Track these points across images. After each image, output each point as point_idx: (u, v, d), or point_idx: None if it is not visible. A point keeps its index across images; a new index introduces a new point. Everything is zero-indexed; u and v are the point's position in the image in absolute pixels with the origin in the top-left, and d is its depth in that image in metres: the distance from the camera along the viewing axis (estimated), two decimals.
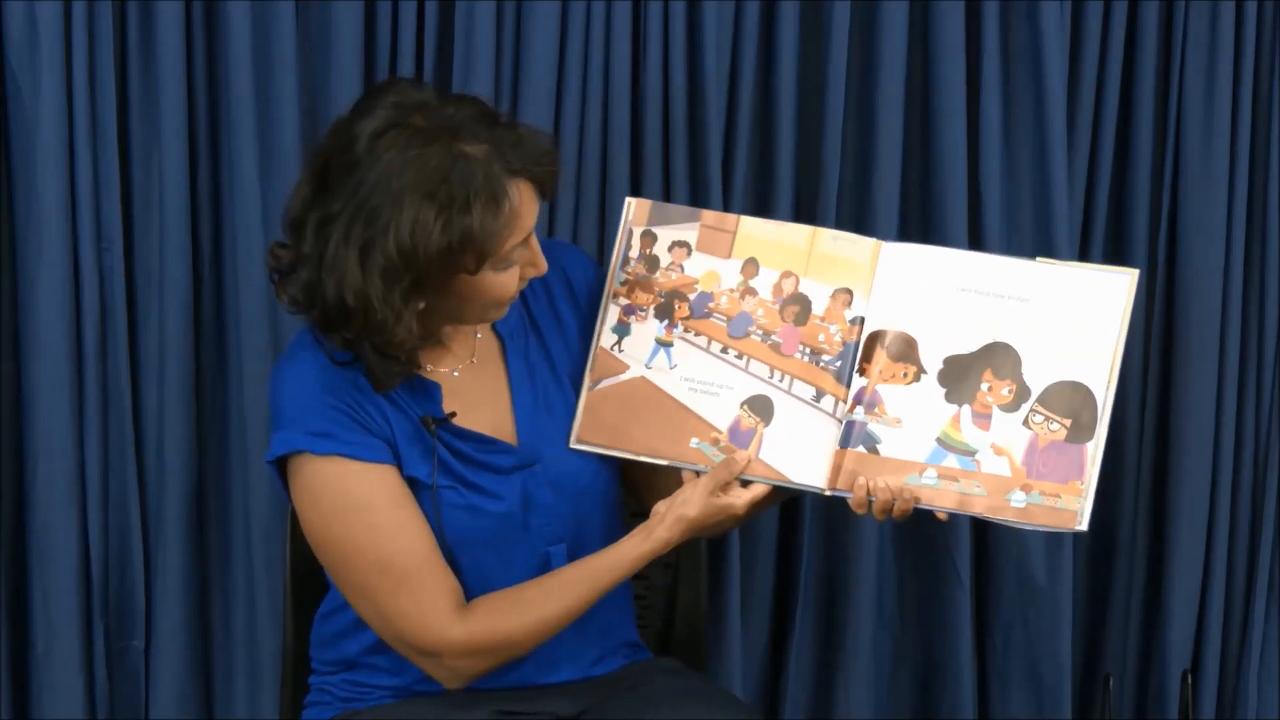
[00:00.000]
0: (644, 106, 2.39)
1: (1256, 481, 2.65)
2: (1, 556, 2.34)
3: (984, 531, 2.57)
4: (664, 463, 1.94)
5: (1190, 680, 2.63)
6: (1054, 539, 2.56)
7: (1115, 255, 2.60)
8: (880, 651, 2.62)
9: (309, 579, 2.04)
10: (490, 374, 1.95)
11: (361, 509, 1.82)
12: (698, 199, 2.42)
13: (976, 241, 2.50)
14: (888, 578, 2.60)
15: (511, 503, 1.90)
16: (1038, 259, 1.96)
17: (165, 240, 2.31)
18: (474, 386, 1.93)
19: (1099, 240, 2.58)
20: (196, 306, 2.35)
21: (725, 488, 1.90)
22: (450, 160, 1.75)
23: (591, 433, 1.95)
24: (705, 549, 2.24)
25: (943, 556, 2.57)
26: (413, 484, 1.86)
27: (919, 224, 2.52)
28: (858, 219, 2.50)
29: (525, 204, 1.80)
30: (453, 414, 1.88)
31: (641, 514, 1.94)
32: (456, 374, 1.93)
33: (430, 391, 1.89)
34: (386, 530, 1.82)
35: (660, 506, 1.89)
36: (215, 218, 2.35)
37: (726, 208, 2.44)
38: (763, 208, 2.46)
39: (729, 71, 2.43)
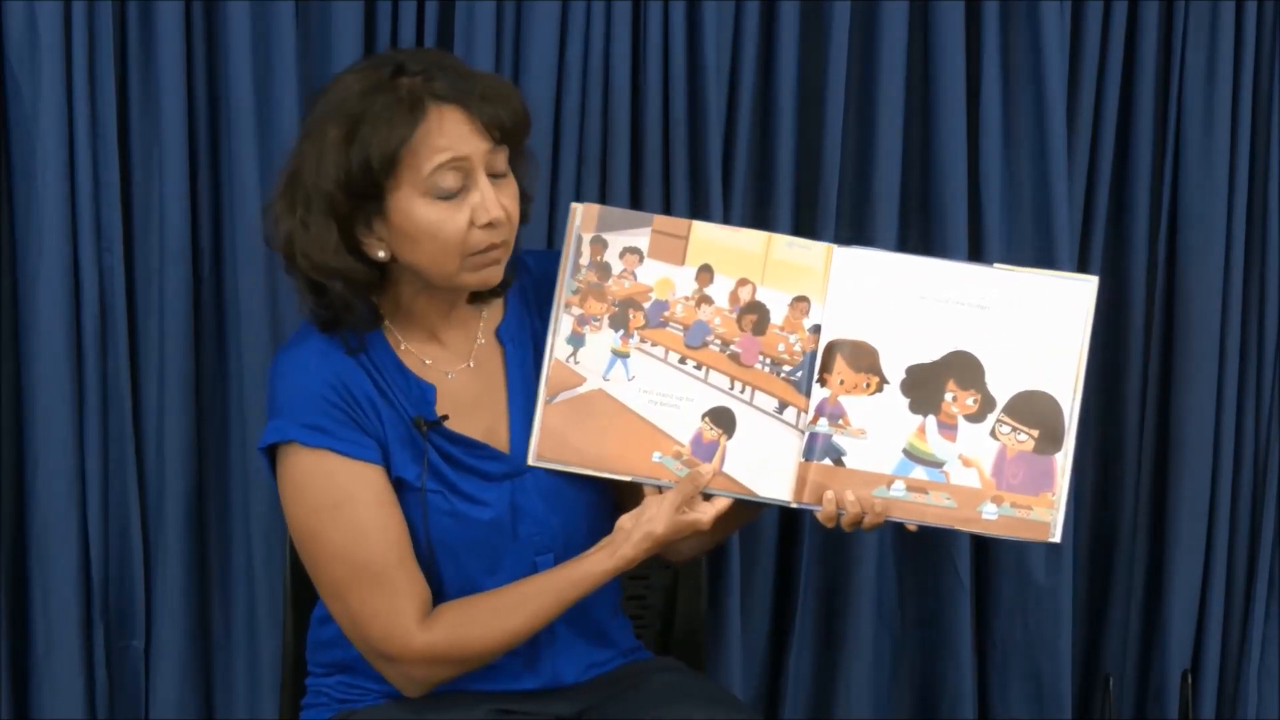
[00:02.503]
0: (644, 106, 2.39)
1: (1256, 481, 2.65)
2: (1, 556, 2.34)
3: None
4: (626, 478, 1.91)
5: (1190, 680, 2.63)
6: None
7: (1115, 255, 2.60)
8: (880, 651, 2.62)
9: (309, 579, 2.03)
10: (489, 379, 1.94)
11: (344, 505, 1.82)
12: (697, 199, 2.42)
13: (976, 241, 2.50)
14: (888, 578, 2.60)
15: (499, 510, 1.89)
16: (996, 265, 1.94)
17: (165, 240, 2.31)
18: (471, 390, 1.92)
19: (1099, 240, 2.58)
20: (196, 306, 2.35)
21: (691, 503, 1.88)
22: (376, 87, 1.78)
23: (550, 449, 1.90)
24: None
25: (943, 556, 2.57)
26: (401, 485, 1.86)
27: (919, 224, 2.52)
28: (858, 219, 2.50)
29: (450, 126, 1.79)
30: (445, 417, 1.88)
31: None
32: (451, 376, 1.92)
33: (425, 393, 1.88)
34: (366, 529, 1.82)
35: (625, 522, 1.87)
36: (215, 218, 2.35)
37: (726, 207, 2.44)
38: (762, 207, 2.46)
39: (729, 71, 2.43)
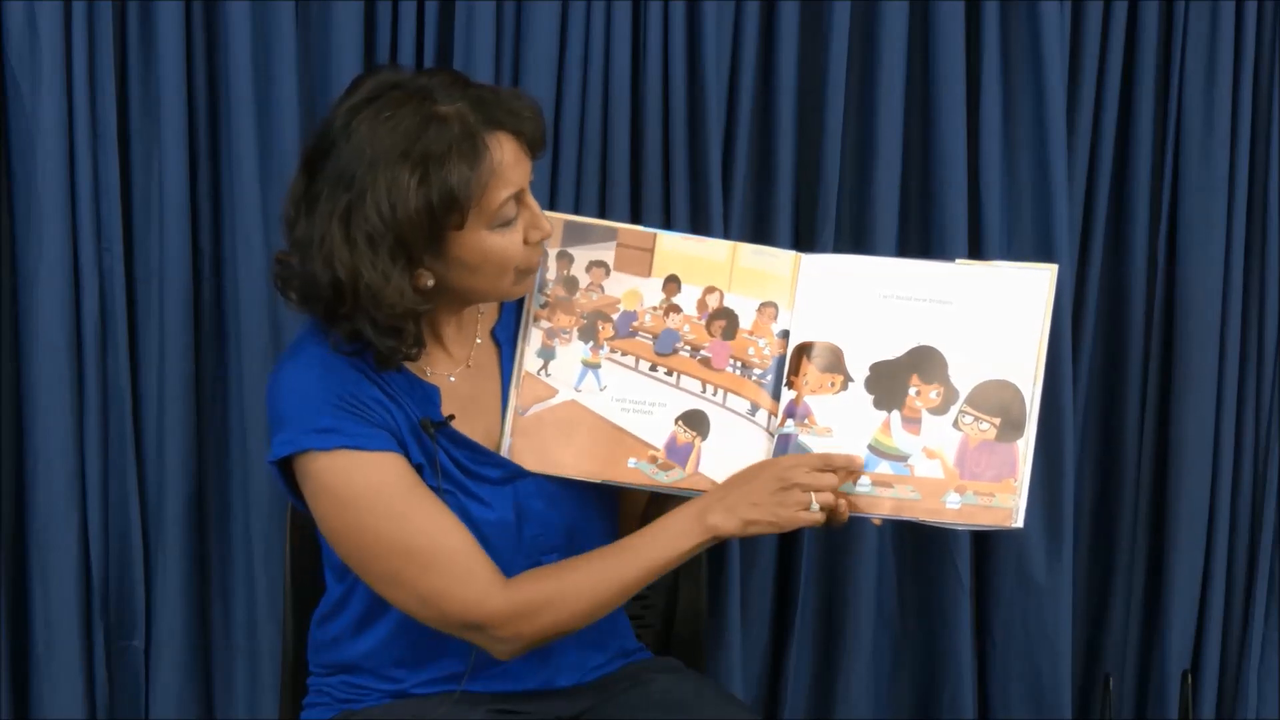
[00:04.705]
0: (644, 106, 2.39)
1: (1256, 481, 2.65)
2: (1, 556, 2.34)
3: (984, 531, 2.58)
4: (600, 483, 1.92)
5: (1190, 680, 2.63)
6: (1053, 539, 2.57)
7: (1115, 255, 2.60)
8: (880, 651, 2.62)
9: (309, 579, 2.04)
10: (486, 381, 1.94)
11: (376, 498, 1.81)
12: (697, 199, 2.42)
13: (976, 241, 2.50)
14: (888, 577, 2.60)
15: (504, 513, 1.89)
16: (957, 261, 1.95)
17: (165, 240, 2.31)
18: (469, 392, 1.92)
19: (1099, 240, 2.58)
20: (196, 306, 2.35)
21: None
22: (423, 120, 1.76)
23: (524, 458, 1.91)
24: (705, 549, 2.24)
25: (943, 556, 2.57)
26: None
27: (919, 224, 2.52)
28: (858, 219, 2.50)
29: (508, 156, 1.79)
30: (451, 416, 1.88)
31: None
32: (453, 379, 1.92)
33: (429, 395, 1.88)
34: (404, 514, 1.81)
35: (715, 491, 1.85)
36: (215, 218, 2.36)
37: (726, 207, 2.44)
38: (762, 208, 2.46)
39: (729, 71, 2.43)
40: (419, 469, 1.85)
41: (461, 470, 1.88)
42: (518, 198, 1.82)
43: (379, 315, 1.78)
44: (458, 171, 1.75)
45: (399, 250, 1.76)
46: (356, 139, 1.76)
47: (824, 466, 1.84)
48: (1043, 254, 2.50)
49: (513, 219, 1.82)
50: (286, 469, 1.85)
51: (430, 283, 1.80)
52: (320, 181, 1.78)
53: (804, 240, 2.48)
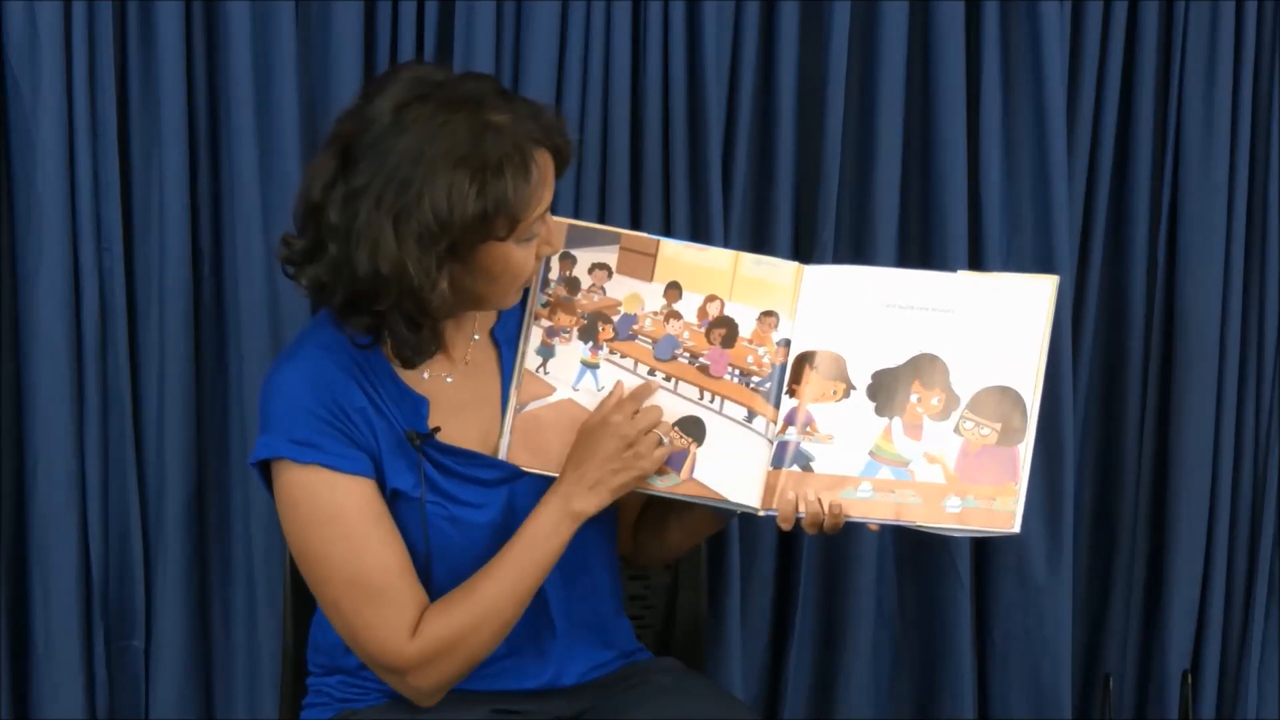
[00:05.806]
0: (644, 106, 2.39)
1: (1256, 481, 2.65)
2: (1, 556, 2.34)
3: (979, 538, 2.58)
4: None
5: (1190, 680, 2.63)
6: (1053, 539, 2.57)
7: (1115, 255, 2.60)
8: (880, 651, 2.62)
9: None
10: (483, 381, 1.94)
11: (336, 521, 1.82)
12: (697, 199, 2.42)
13: (976, 241, 2.50)
14: (887, 578, 2.60)
15: (495, 514, 1.90)
16: (959, 271, 1.96)
17: (165, 240, 2.32)
18: (465, 392, 1.92)
19: (1099, 240, 2.58)
20: (196, 306, 2.35)
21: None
22: (479, 128, 1.76)
23: (520, 454, 1.92)
24: (705, 549, 2.24)
25: (943, 556, 2.57)
26: (397, 495, 1.86)
27: (919, 225, 2.52)
28: (858, 219, 2.50)
29: (548, 173, 1.82)
30: (437, 429, 1.88)
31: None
32: (450, 380, 1.92)
33: (418, 406, 1.89)
34: (359, 545, 1.82)
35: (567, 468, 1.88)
36: (215, 218, 2.36)
37: (726, 209, 2.44)
38: (762, 209, 2.46)
39: (729, 72, 2.43)
40: (394, 493, 1.86)
41: (451, 476, 1.88)
42: (543, 213, 1.83)
43: (417, 314, 1.79)
44: (513, 183, 1.76)
45: (445, 253, 1.77)
46: (409, 138, 1.75)
47: (634, 405, 1.88)
48: (1042, 254, 2.50)
49: (536, 234, 1.83)
50: (266, 470, 1.86)
51: (444, 285, 1.81)
52: (362, 175, 1.76)
53: (804, 240, 2.48)
